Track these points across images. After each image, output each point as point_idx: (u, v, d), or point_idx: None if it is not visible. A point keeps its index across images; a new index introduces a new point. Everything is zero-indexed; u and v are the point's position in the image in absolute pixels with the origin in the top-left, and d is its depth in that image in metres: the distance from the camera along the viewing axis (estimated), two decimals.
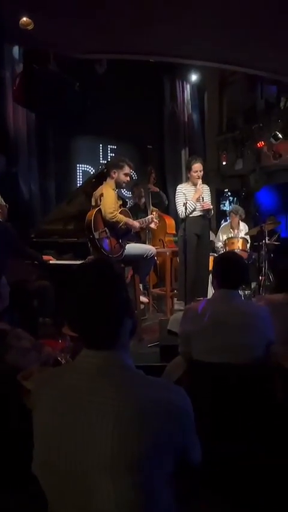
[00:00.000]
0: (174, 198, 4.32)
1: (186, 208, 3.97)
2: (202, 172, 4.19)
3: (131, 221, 3.63)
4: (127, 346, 1.05)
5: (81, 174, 6.29)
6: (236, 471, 1.63)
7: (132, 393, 0.93)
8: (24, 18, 3.44)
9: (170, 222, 4.99)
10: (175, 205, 4.36)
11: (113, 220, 3.40)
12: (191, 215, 4.04)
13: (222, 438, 1.76)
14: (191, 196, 4.14)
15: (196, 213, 4.15)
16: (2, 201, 3.68)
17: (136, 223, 3.67)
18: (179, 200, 4.19)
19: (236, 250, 5.19)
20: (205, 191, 4.26)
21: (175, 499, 0.98)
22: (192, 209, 4.07)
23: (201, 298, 4.07)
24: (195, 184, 4.18)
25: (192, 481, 1.20)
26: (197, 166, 4.18)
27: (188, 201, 4.04)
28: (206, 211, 4.21)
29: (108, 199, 3.42)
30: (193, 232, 4.08)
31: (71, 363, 1.04)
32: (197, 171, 4.16)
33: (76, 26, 3.70)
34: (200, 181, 4.16)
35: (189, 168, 4.23)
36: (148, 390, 0.95)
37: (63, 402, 0.96)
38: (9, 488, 1.23)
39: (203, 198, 4.17)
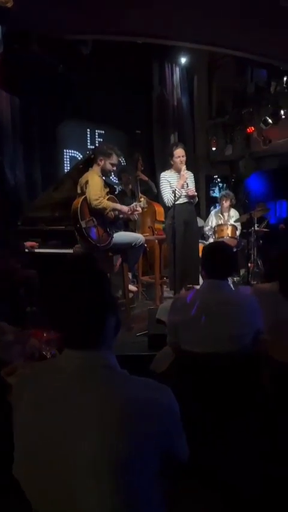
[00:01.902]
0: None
1: (175, 196, 3.92)
2: (185, 157, 4.11)
3: (119, 206, 3.57)
4: (111, 345, 1.01)
5: (68, 159, 6.17)
6: (223, 462, 1.63)
7: (116, 394, 0.90)
8: None
9: (159, 209, 4.94)
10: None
11: (99, 207, 3.33)
12: (176, 202, 3.99)
13: (210, 428, 1.75)
14: (175, 183, 4.08)
15: (182, 200, 4.09)
16: None
17: (125, 208, 3.61)
18: (164, 188, 4.13)
19: (225, 237, 5.19)
20: (189, 178, 4.19)
21: (163, 496, 0.97)
22: (178, 196, 4.02)
23: (191, 286, 4.07)
24: (178, 171, 4.11)
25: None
26: (179, 152, 4.10)
27: (176, 189, 3.98)
28: (191, 198, 4.15)
29: (94, 187, 3.35)
30: (181, 219, 4.04)
31: (54, 360, 1.00)
32: (179, 157, 4.08)
33: (58, 3, 3.53)
34: (184, 167, 4.08)
35: (171, 155, 4.15)
36: (132, 390, 0.92)
37: (44, 402, 0.93)
38: None
39: (187, 184, 4.11)
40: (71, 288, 0.94)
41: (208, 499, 1.37)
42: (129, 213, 3.65)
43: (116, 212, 3.55)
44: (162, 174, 4.26)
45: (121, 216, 3.63)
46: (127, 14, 3.81)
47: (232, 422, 1.76)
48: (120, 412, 0.87)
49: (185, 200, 4.13)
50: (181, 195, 4.06)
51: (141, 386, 0.94)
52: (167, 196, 4.06)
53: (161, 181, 4.19)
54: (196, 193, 4.22)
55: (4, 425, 1.03)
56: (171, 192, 3.98)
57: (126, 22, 3.98)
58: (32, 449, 0.92)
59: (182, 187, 4.06)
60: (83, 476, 0.86)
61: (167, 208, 4.26)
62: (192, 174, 4.34)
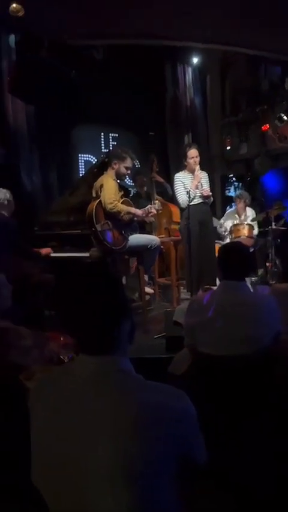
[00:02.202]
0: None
1: (189, 197, 3.90)
2: (198, 158, 4.09)
3: (133, 209, 3.58)
4: (126, 350, 1.01)
5: (83, 164, 6.22)
6: (237, 463, 1.61)
7: (131, 399, 0.90)
8: (14, 5, 3.33)
9: (175, 210, 4.93)
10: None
11: (114, 210, 3.36)
12: (191, 203, 3.97)
13: (224, 429, 1.73)
14: (190, 184, 4.06)
15: (196, 201, 4.07)
16: (11, 196, 3.71)
17: (139, 211, 3.62)
18: (178, 189, 4.12)
19: (241, 237, 5.12)
20: (203, 178, 4.18)
21: (179, 498, 0.96)
22: (192, 197, 4.01)
23: (209, 287, 4.04)
24: (192, 171, 4.09)
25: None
26: (193, 152, 4.09)
27: (190, 189, 3.97)
28: (206, 198, 4.13)
29: (108, 190, 3.38)
30: (196, 220, 4.02)
31: (69, 365, 1.01)
32: (193, 157, 4.07)
33: (68, 8, 3.57)
34: (197, 167, 4.06)
35: (185, 156, 4.13)
36: (147, 396, 0.91)
37: (59, 407, 0.94)
38: (13, 495, 1.22)
39: (201, 184, 4.09)
40: (85, 293, 0.95)
41: (222, 500, 1.36)
42: (143, 215, 3.66)
43: (131, 215, 3.56)
44: (176, 175, 4.25)
45: (135, 219, 3.65)
46: (137, 15, 3.81)
47: (246, 423, 1.74)
48: (134, 417, 0.86)
49: (200, 201, 4.11)
50: (195, 196, 4.05)
51: (155, 391, 0.93)
52: (182, 197, 4.05)
53: (175, 183, 4.18)
54: (211, 193, 4.19)
55: (24, 430, 1.04)
56: (185, 193, 3.97)
57: (136, 24, 3.99)
58: (47, 453, 0.93)
59: (197, 187, 4.05)
60: (97, 481, 0.86)
61: (182, 210, 4.25)
62: (207, 174, 4.32)
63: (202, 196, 4.10)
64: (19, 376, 1.59)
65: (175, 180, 4.20)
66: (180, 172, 4.25)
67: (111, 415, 0.87)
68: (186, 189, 4.01)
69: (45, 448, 0.94)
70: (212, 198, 4.28)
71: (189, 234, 3.85)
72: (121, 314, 0.97)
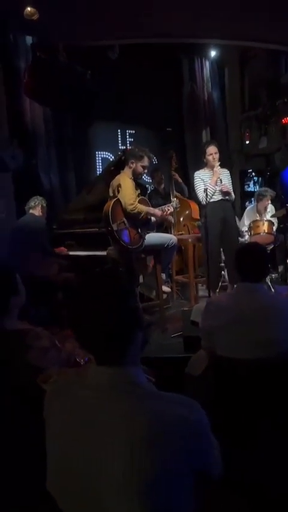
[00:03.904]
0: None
1: (207, 195, 3.86)
2: (218, 154, 4.05)
3: (152, 210, 3.57)
4: (138, 361, 1.00)
5: (100, 161, 6.23)
6: (259, 470, 1.59)
7: (144, 411, 0.89)
8: (29, 8, 3.35)
9: (195, 207, 4.89)
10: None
11: (134, 211, 3.35)
12: (211, 200, 3.93)
13: (248, 435, 1.71)
14: (209, 181, 4.02)
15: (217, 197, 4.02)
16: (45, 203, 4.12)
17: (158, 212, 3.61)
18: (198, 187, 4.08)
19: (261, 234, 5.02)
20: (224, 175, 4.12)
21: (194, 508, 0.96)
22: (212, 193, 3.96)
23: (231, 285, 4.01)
24: (212, 168, 4.05)
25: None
26: (211, 149, 4.05)
27: (208, 186, 3.92)
28: (226, 195, 4.07)
29: (127, 190, 3.36)
30: (217, 217, 3.97)
31: (84, 372, 1.01)
32: (211, 154, 4.03)
33: (82, 11, 3.56)
34: (217, 163, 4.02)
35: (203, 153, 4.10)
36: (160, 407, 0.91)
37: (74, 419, 0.94)
38: (28, 502, 1.24)
39: (220, 180, 4.03)
40: (97, 305, 0.94)
41: (235, 500, 1.35)
42: (162, 215, 3.65)
43: (150, 215, 3.55)
44: (196, 173, 4.22)
45: (154, 219, 3.63)
46: (151, 15, 3.77)
47: (261, 422, 1.71)
48: (149, 430, 0.86)
49: (220, 197, 4.06)
50: (215, 192, 4.00)
51: (168, 403, 0.92)
52: (201, 195, 4.01)
53: (194, 180, 4.15)
54: (231, 190, 4.13)
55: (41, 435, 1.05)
56: (203, 190, 3.93)
57: (151, 24, 3.94)
58: (62, 459, 0.94)
59: (216, 184, 4.00)
60: (113, 495, 0.86)
61: (202, 207, 4.21)
62: (228, 171, 4.26)
63: (222, 193, 4.05)
64: (36, 379, 1.60)
65: (194, 177, 4.16)
66: (200, 170, 4.21)
67: (125, 426, 0.87)
68: (205, 186, 3.97)
69: (60, 455, 0.95)
70: (233, 195, 4.22)
71: (207, 233, 3.81)
72: (135, 325, 0.96)
